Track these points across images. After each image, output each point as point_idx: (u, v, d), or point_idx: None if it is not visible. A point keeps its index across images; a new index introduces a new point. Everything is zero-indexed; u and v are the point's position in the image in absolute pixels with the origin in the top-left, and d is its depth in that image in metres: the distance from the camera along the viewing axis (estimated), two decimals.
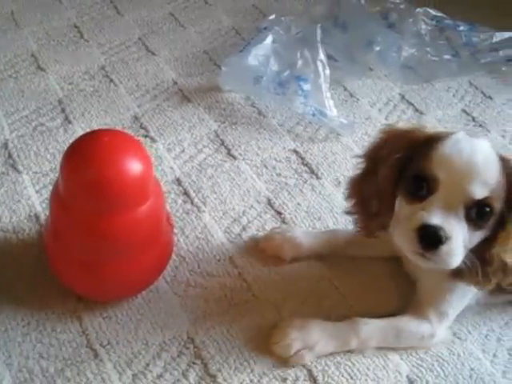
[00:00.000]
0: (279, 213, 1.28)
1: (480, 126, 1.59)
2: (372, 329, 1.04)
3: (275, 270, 1.17)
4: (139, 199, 0.97)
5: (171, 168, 1.36)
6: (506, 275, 0.95)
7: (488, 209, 0.90)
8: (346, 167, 1.42)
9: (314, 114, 1.49)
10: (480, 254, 0.94)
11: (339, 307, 1.11)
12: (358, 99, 1.64)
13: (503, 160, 0.92)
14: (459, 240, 0.90)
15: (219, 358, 1.01)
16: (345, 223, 1.27)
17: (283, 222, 1.27)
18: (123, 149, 0.96)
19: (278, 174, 1.38)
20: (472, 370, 1.05)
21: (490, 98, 1.70)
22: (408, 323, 1.06)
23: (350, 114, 1.58)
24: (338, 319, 1.07)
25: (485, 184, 0.89)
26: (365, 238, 1.07)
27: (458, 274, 0.96)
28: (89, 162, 0.93)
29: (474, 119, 1.61)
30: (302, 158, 1.43)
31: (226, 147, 1.43)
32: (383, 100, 1.65)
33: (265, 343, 1.03)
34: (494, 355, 1.08)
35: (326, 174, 1.39)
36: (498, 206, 0.90)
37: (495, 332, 1.11)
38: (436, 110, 1.64)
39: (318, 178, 1.38)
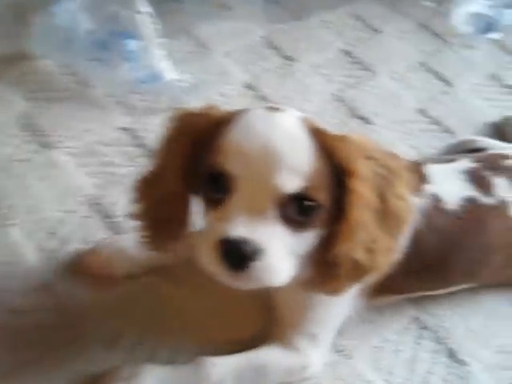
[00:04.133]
0: (107, 216, 1.13)
1: (365, 69, 1.47)
2: (224, 370, 0.91)
3: (105, 294, 1.03)
4: None
5: None
6: (360, 274, 0.82)
7: (309, 202, 0.76)
8: None
9: (145, 81, 1.32)
10: (323, 256, 0.80)
11: (182, 334, 0.99)
12: (209, 49, 1.51)
13: (318, 135, 0.77)
14: (278, 249, 0.76)
15: None
16: None
17: (112, 227, 1.12)
18: None
19: (107, 163, 1.23)
20: None
21: (377, 30, 1.59)
22: (270, 356, 0.94)
23: (198, 71, 1.43)
24: (189, 352, 0.95)
25: (295, 172, 0.75)
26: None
27: (307, 283, 0.83)
28: None
29: (356, 60, 1.49)
30: (138, 138, 1.28)
31: (38, 134, 1.27)
32: (242, 47, 1.52)
33: None
34: (390, 373, 0.97)
35: None
36: (322, 196, 0.77)
37: (390, 342, 1.01)
38: (310, 53, 1.52)
39: None
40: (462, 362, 1.01)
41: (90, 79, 1.39)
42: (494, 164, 1.04)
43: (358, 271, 0.81)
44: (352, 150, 0.77)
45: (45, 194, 1.16)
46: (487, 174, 1.01)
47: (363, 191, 0.77)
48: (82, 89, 1.38)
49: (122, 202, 1.15)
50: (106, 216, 1.13)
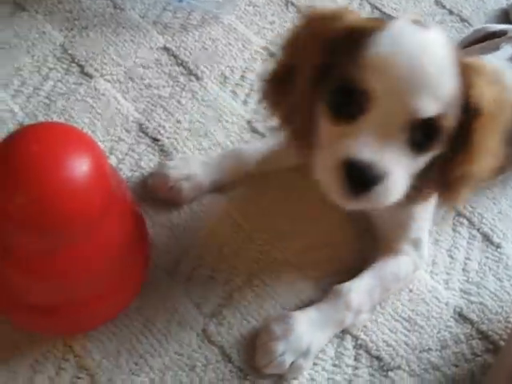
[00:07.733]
0: (155, 139, 1.13)
1: None
2: (360, 292, 0.93)
3: (170, 218, 1.04)
4: (97, 215, 0.78)
5: (11, 111, 1.16)
6: (476, 185, 0.84)
7: (437, 129, 0.74)
8: (231, 55, 1.26)
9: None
10: (437, 177, 0.80)
11: (267, 251, 1.02)
12: None
13: (461, 63, 0.74)
14: (399, 174, 0.74)
15: None
16: (238, 133, 1.14)
17: (161, 150, 1.12)
18: (60, 154, 0.75)
19: (148, 86, 1.20)
20: None
21: None
22: (389, 268, 0.96)
23: None
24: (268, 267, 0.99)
25: (436, 97, 0.71)
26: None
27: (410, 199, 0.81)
28: (18, 188, 0.73)
29: None
30: (176, 56, 1.25)
31: (78, 64, 1.23)
32: None
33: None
34: (434, 263, 1.04)
35: (207, 70, 1.23)
36: (450, 122, 0.73)
37: (431, 232, 1.04)
38: None
39: (198, 78, 1.22)
40: (496, 245, 1.05)
41: (123, 1, 1.35)
42: None
43: (475, 183, 0.82)
44: (485, 88, 0.74)
45: (91, 125, 1.14)
46: None
47: (487, 131, 0.76)
48: (117, 12, 1.33)
49: (168, 123, 1.15)
50: (155, 139, 1.13)
